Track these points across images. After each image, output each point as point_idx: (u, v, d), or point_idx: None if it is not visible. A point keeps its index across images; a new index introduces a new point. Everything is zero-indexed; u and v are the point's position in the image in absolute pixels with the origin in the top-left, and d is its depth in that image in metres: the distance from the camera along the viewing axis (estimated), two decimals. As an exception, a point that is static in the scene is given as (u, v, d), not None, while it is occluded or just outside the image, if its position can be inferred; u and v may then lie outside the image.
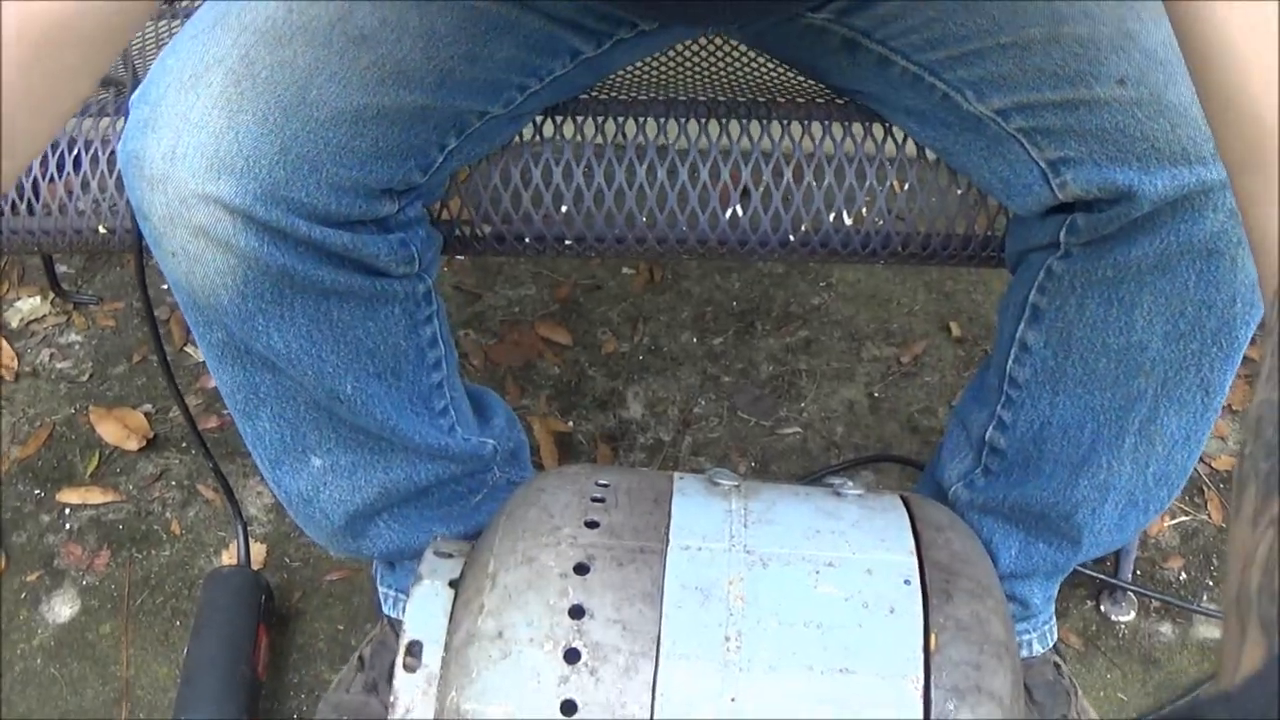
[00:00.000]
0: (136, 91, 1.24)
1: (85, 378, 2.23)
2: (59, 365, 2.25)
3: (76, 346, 2.28)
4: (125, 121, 1.24)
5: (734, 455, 2.10)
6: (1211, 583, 1.95)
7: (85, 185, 1.44)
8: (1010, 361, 1.39)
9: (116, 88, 1.56)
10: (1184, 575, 1.96)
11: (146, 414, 2.15)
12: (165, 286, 1.27)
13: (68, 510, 2.03)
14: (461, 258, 2.38)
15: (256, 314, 1.26)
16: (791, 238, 1.42)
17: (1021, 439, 1.43)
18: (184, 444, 2.11)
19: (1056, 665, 1.67)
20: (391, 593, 1.66)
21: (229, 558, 1.94)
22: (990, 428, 1.45)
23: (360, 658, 1.69)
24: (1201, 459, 2.03)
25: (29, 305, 2.35)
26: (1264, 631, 0.47)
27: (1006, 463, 1.46)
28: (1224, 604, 0.55)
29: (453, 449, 1.46)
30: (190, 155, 1.17)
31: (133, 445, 2.11)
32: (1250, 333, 1.30)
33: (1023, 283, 1.35)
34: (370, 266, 1.28)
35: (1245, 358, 1.34)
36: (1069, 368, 1.35)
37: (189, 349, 2.22)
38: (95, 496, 2.04)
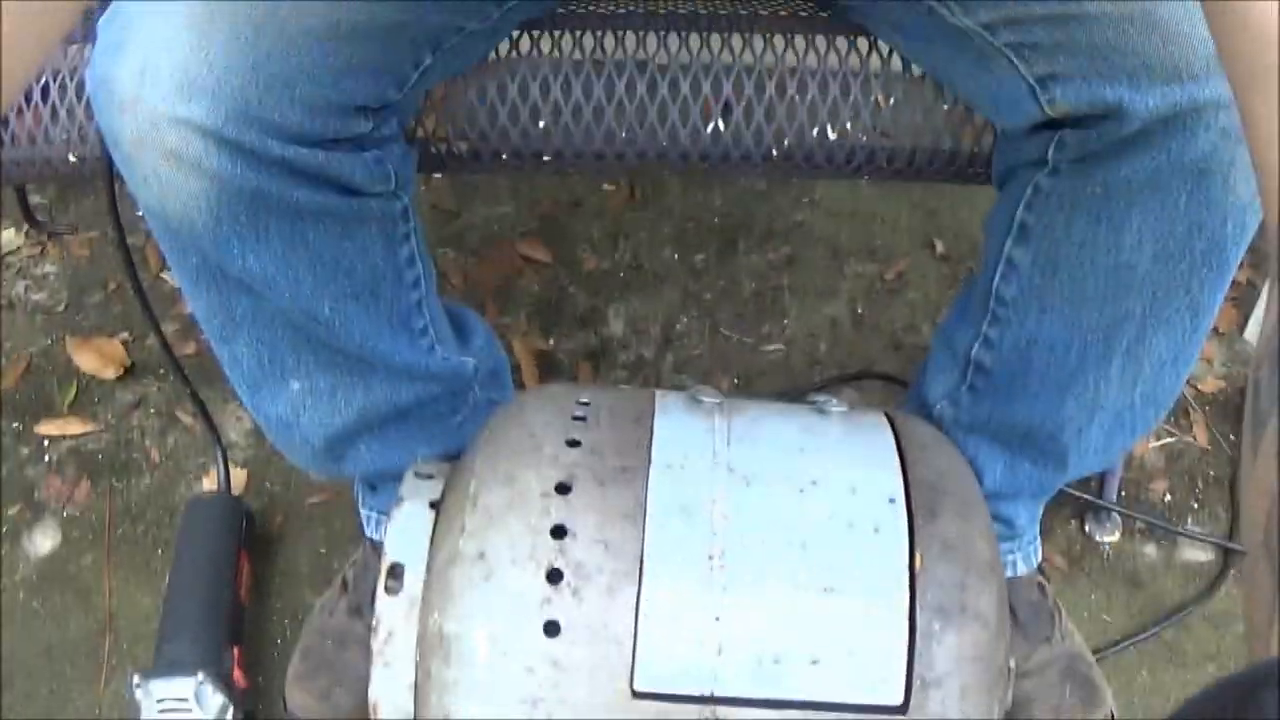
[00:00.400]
0: (104, 14, 1.22)
1: (61, 308, 2.21)
2: (34, 297, 2.23)
3: (52, 277, 2.26)
4: (93, 47, 1.22)
5: (716, 373, 2.09)
6: (1196, 505, 1.95)
7: (54, 114, 1.42)
8: (997, 279, 1.38)
9: (85, 13, 1.54)
10: (1169, 497, 1.96)
11: (124, 342, 2.14)
12: (139, 213, 1.26)
13: (47, 442, 2.01)
14: (439, 176, 2.36)
15: (231, 237, 1.24)
16: (774, 153, 1.40)
17: (1007, 357, 1.42)
18: (162, 371, 2.09)
19: (1041, 586, 1.67)
20: (374, 515, 1.65)
21: (209, 484, 1.93)
22: (976, 345, 1.44)
23: (344, 580, 1.68)
24: (1188, 381, 2.02)
25: (3, 237, 2.33)
26: None
27: (992, 381, 1.45)
28: (1247, 541, 0.54)
29: (432, 369, 1.45)
30: (160, 77, 1.15)
31: (110, 374, 2.09)
32: (1240, 254, 1.29)
33: (1010, 200, 1.34)
34: (346, 186, 1.26)
35: (1232, 281, 1.33)
36: (1056, 286, 1.33)
37: (165, 275, 2.20)
38: (74, 427, 2.03)
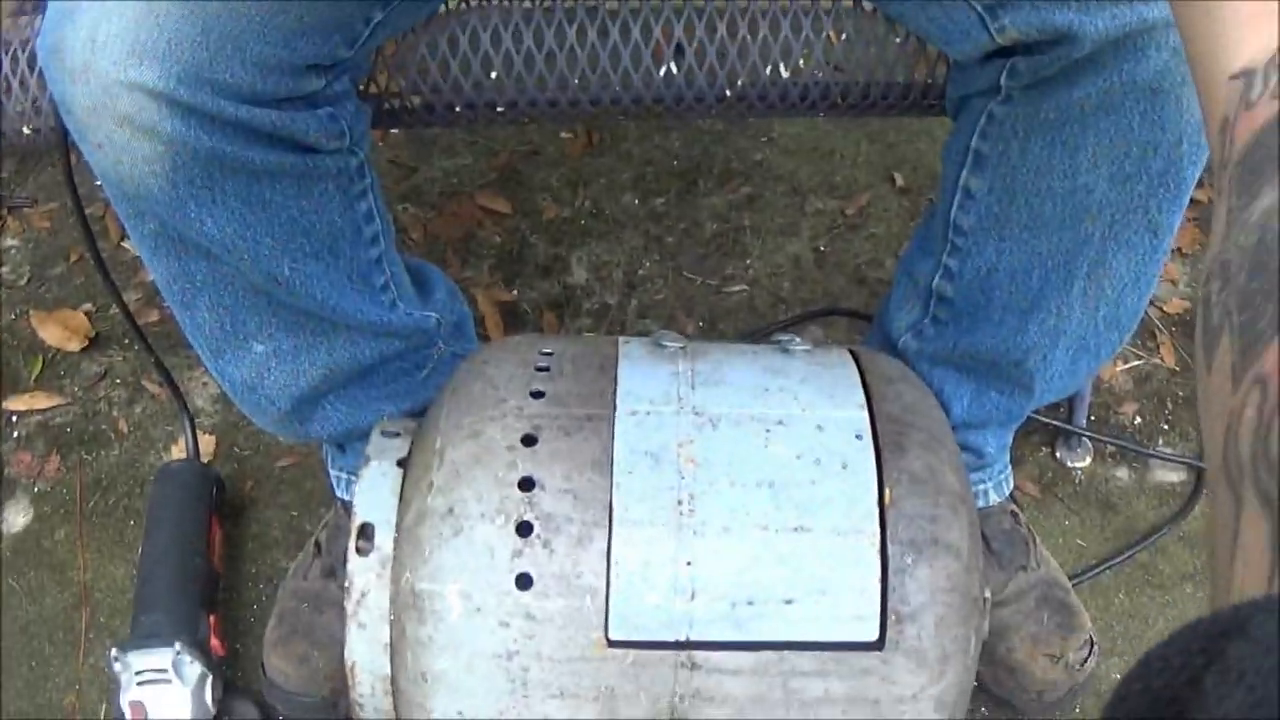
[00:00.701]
0: (53, -17, 1.21)
1: (24, 281, 2.20)
2: (-4, 271, 2.22)
3: (13, 251, 2.25)
4: (44, 17, 1.21)
5: (681, 316, 2.09)
6: (1166, 426, 1.95)
7: (7, 86, 1.41)
8: (954, 209, 1.38)
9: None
10: (1139, 419, 1.96)
11: (87, 313, 2.13)
12: (98, 183, 1.26)
13: (14, 418, 2.01)
14: (396, 131, 2.35)
15: (188, 200, 1.23)
16: (728, 93, 1.40)
17: (969, 286, 1.42)
18: (126, 340, 2.08)
19: (1014, 514, 1.67)
20: (343, 475, 1.65)
21: (178, 452, 1.93)
22: (937, 276, 1.44)
23: (316, 543, 1.68)
24: (1152, 302, 2.03)
25: (-39, 212, 2.32)
26: (1264, 504, 0.45)
27: (955, 311, 1.45)
28: (1209, 464, 0.53)
29: (395, 325, 1.45)
30: (110, 42, 1.14)
31: (75, 346, 2.08)
32: (1197, 173, 1.29)
33: (965, 129, 1.34)
34: (300, 144, 1.26)
35: (1192, 200, 1.33)
36: (1014, 213, 1.34)
37: (126, 244, 2.19)
38: (41, 401, 2.02)
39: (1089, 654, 1.61)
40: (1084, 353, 1.47)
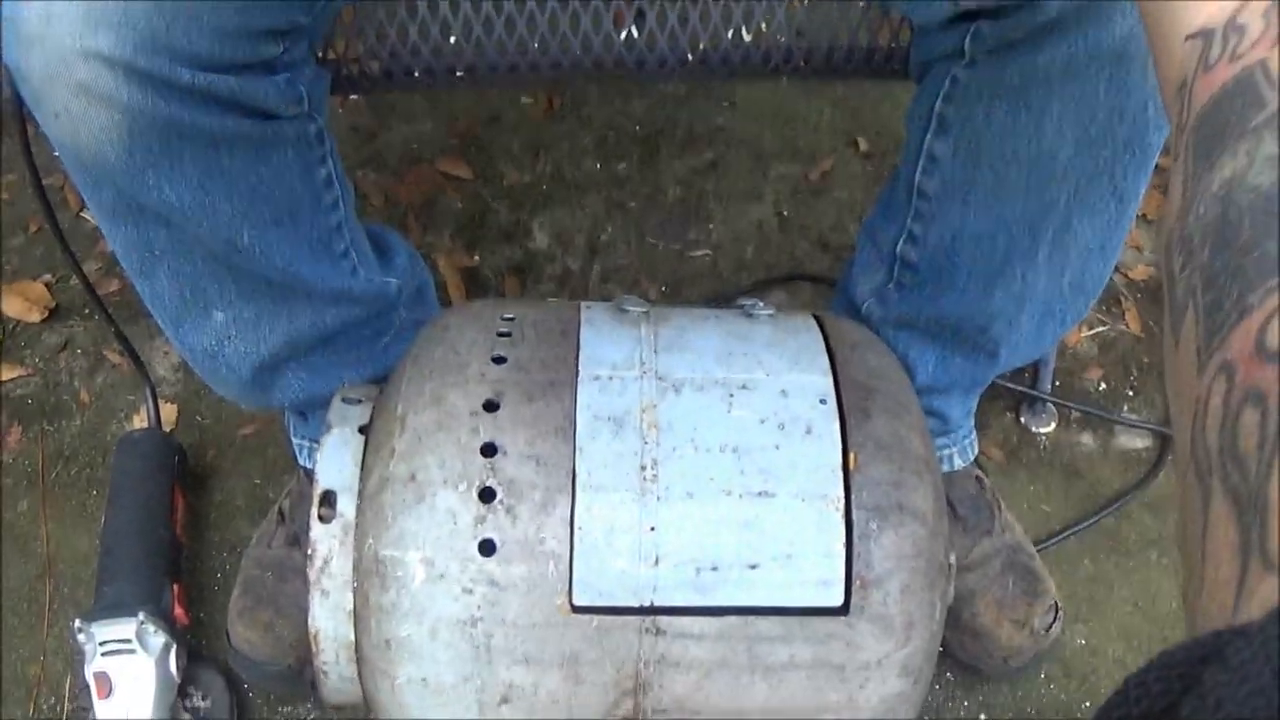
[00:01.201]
0: (5, -49, 1.19)
1: (-18, 253, 2.19)
2: (-47, 243, 2.21)
3: (-30, 223, 2.24)
4: (-3, -13, 1.20)
5: (644, 281, 2.09)
6: (1131, 392, 1.96)
7: (-39, 58, 1.40)
8: (918, 173, 1.37)
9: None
10: (1103, 385, 1.97)
11: (47, 284, 2.12)
12: (56, 153, 1.25)
13: (-25, 390, 2.00)
14: (356, 97, 2.34)
15: (146, 168, 1.22)
16: (690, 57, 1.39)
17: (933, 251, 1.42)
18: (87, 310, 2.07)
19: (978, 479, 1.67)
20: (305, 443, 1.65)
21: (140, 422, 1.92)
22: (901, 241, 1.44)
23: (280, 511, 1.68)
24: (1117, 269, 2.03)
25: (-81, 184, 2.30)
26: (1232, 501, 0.45)
27: (919, 276, 1.45)
28: (1177, 451, 0.52)
29: (356, 291, 1.44)
30: (66, 10, 1.13)
31: (35, 317, 2.07)
32: (1163, 139, 1.29)
33: (928, 93, 1.33)
34: (258, 109, 1.24)
35: (1157, 166, 1.33)
36: (978, 178, 1.33)
37: (85, 215, 2.17)
38: (2, 373, 2.00)
39: (1054, 619, 1.61)
40: (1049, 318, 1.47)
